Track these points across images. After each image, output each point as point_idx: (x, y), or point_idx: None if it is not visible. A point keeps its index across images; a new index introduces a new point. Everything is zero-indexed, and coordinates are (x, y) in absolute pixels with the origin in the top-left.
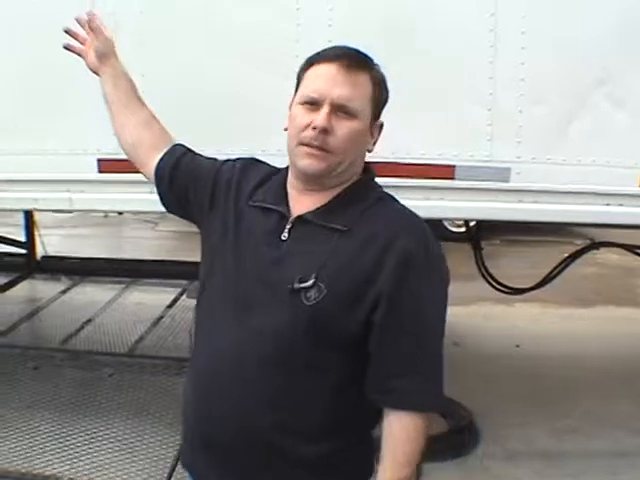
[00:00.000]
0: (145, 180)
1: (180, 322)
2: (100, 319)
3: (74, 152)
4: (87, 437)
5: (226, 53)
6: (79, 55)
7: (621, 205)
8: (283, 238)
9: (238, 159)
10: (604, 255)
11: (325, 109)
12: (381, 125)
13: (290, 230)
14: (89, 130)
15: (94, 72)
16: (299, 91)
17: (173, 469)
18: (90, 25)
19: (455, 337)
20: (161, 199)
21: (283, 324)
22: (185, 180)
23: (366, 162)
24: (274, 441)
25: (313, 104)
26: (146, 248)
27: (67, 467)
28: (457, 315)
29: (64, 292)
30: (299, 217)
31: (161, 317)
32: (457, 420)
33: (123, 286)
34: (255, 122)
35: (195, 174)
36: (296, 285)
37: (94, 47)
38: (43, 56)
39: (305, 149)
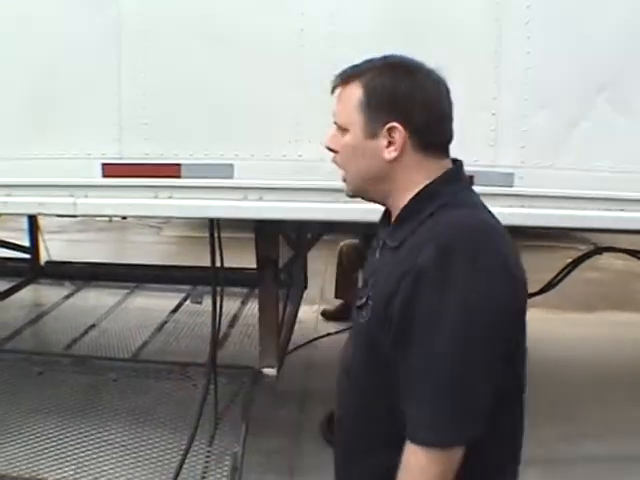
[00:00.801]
0: (149, 184)
1: (184, 327)
2: (104, 324)
3: (78, 156)
4: (91, 442)
5: (231, 59)
6: None
7: (623, 210)
8: (375, 260)
9: None
10: (608, 260)
11: (331, 130)
12: (394, 127)
13: (379, 252)
14: (93, 134)
15: None
16: None
17: (177, 474)
18: None
19: None
20: None
21: (353, 340)
22: None
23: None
24: (350, 445)
25: None
26: (150, 253)
27: (71, 472)
28: None
29: (68, 297)
30: (384, 242)
31: (165, 322)
32: None
33: (127, 291)
34: (260, 128)
35: None
36: (357, 303)
37: None
38: (49, 62)
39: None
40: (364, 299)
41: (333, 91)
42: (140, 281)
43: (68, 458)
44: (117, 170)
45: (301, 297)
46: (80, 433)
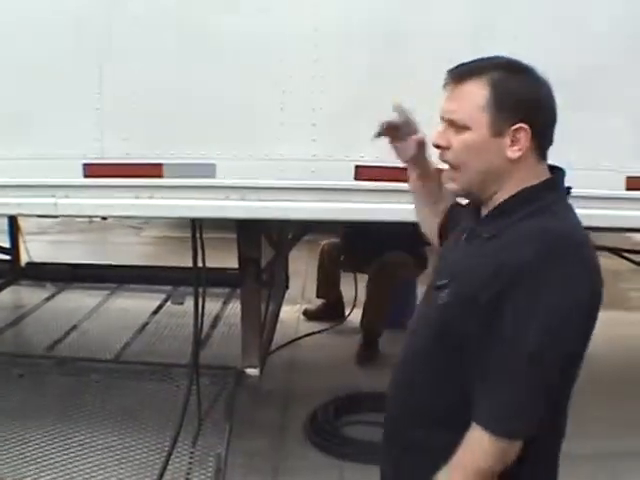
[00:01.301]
0: (130, 184)
1: (165, 328)
2: (86, 325)
3: (59, 156)
4: (74, 444)
5: (212, 59)
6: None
7: (604, 208)
8: (459, 245)
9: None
10: None
11: (440, 126)
12: (521, 128)
13: (466, 239)
14: (74, 134)
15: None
16: None
17: (161, 476)
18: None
19: None
20: None
21: (427, 318)
22: None
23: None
24: (407, 425)
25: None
26: (131, 254)
27: (54, 475)
28: None
29: (49, 299)
30: (471, 229)
31: (147, 323)
32: None
33: (108, 292)
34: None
35: None
36: (437, 282)
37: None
38: (30, 62)
39: (444, 172)
40: (446, 281)
41: (444, 87)
42: (121, 282)
43: (51, 460)
44: (98, 170)
45: (283, 297)
46: (63, 435)
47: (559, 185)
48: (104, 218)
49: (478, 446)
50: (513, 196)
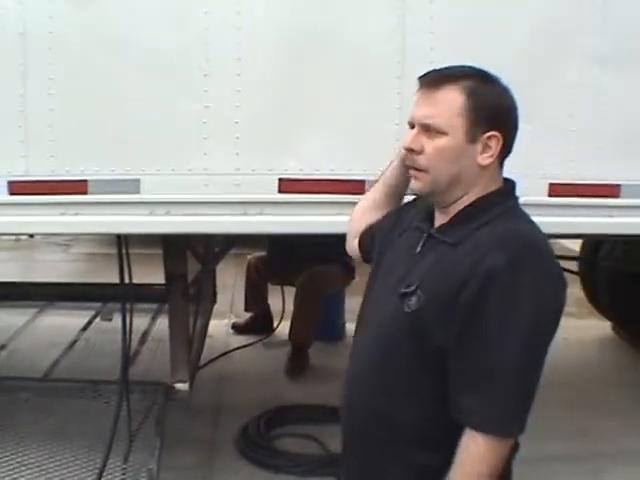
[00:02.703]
0: (56, 202)
1: (94, 345)
2: (14, 344)
3: None
4: (4, 464)
5: (135, 75)
6: None
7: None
8: (417, 251)
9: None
10: None
11: (414, 131)
12: (494, 136)
13: (423, 244)
14: None
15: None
16: None
17: None
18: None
19: None
20: None
21: (388, 328)
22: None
23: (505, 179)
24: (372, 434)
25: (412, 128)
26: (59, 271)
27: None
28: None
29: None
30: (429, 234)
31: (76, 340)
32: None
33: (36, 310)
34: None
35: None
36: (402, 290)
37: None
38: None
39: (410, 172)
40: (412, 288)
41: (417, 92)
42: (49, 299)
43: None
44: (23, 187)
45: (211, 311)
46: None
47: (514, 192)
48: (31, 236)
49: (476, 453)
50: (477, 201)
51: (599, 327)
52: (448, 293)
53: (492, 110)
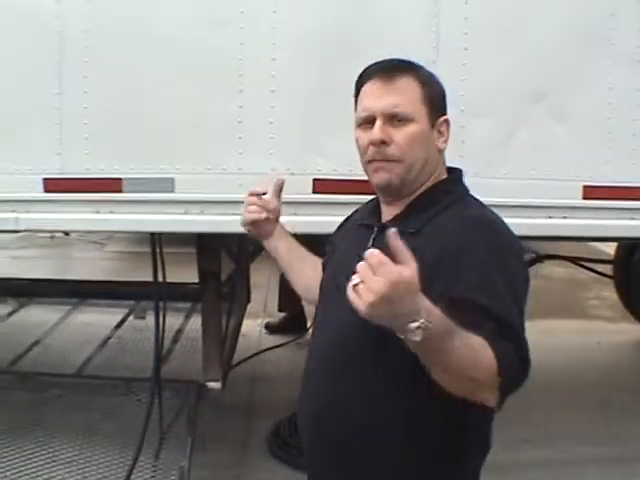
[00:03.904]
0: (91, 199)
1: (127, 342)
2: (48, 340)
3: (20, 171)
4: (36, 459)
5: (170, 73)
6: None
7: (565, 217)
8: (369, 246)
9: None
10: (549, 268)
11: (378, 122)
12: (446, 120)
13: (374, 239)
14: (35, 149)
15: (259, 238)
16: (355, 115)
17: None
18: (276, 189)
19: None
20: None
21: (351, 327)
22: None
23: (451, 167)
24: (348, 442)
25: (368, 122)
26: (93, 269)
27: None
28: None
29: (11, 314)
30: (381, 226)
31: (109, 338)
32: None
33: (70, 307)
34: (200, 142)
35: None
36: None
37: (271, 212)
38: None
39: (373, 165)
40: None
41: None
42: (83, 297)
43: (13, 476)
44: (59, 185)
45: (244, 311)
46: (25, 450)
47: (462, 178)
48: (66, 233)
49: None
50: (433, 187)
51: (633, 331)
52: (420, 282)
53: (440, 97)
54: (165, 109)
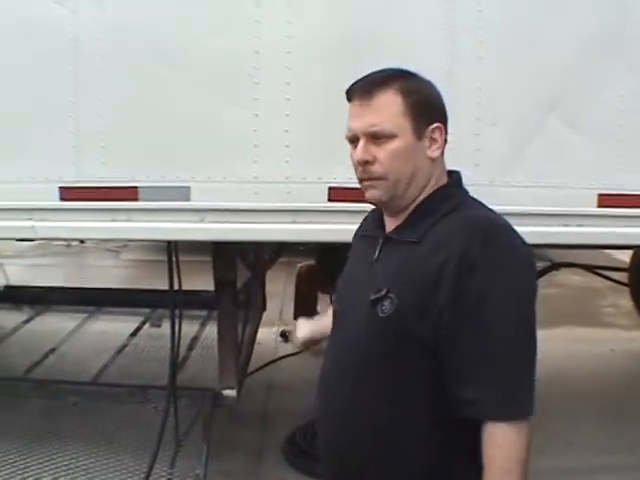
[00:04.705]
0: (107, 208)
1: (143, 350)
2: (64, 348)
3: (36, 180)
4: (52, 467)
5: (186, 83)
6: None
7: (581, 225)
8: (375, 257)
9: None
10: (565, 276)
11: (361, 142)
12: (438, 127)
13: (380, 250)
14: (51, 158)
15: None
16: None
17: None
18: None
19: None
20: None
21: (362, 336)
22: None
23: (450, 170)
24: (364, 447)
25: (354, 142)
26: (109, 277)
27: None
28: None
29: (27, 322)
30: (386, 237)
31: (125, 345)
32: None
33: (86, 315)
34: (216, 150)
35: None
36: (372, 296)
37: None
38: (5, 85)
39: (363, 184)
40: (383, 292)
41: (350, 103)
42: (99, 305)
43: None
44: (75, 193)
45: (260, 319)
46: (41, 458)
47: (461, 182)
48: (82, 241)
49: (505, 442)
50: (432, 195)
51: None
52: (424, 289)
53: (428, 103)
54: (180, 118)
